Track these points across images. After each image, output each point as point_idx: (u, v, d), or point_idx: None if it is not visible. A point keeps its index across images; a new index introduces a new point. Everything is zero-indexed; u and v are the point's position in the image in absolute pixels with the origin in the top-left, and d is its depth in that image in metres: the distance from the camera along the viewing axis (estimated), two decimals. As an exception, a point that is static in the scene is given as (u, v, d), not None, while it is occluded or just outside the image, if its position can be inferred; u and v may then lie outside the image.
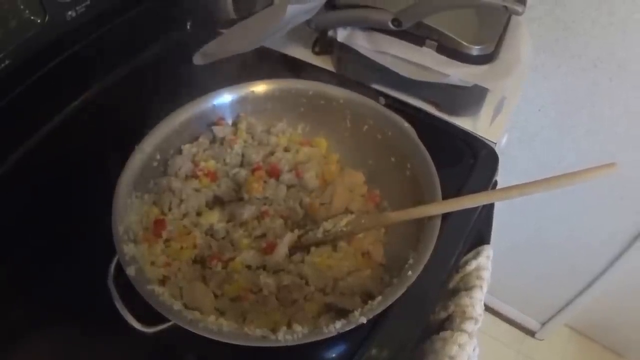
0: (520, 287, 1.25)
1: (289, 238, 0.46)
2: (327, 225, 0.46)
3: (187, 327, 0.37)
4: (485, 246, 0.59)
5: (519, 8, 0.49)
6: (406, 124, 0.50)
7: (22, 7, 0.46)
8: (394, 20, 0.56)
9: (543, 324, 1.30)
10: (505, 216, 1.06)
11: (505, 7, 0.49)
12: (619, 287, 1.08)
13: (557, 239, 1.08)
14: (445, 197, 0.45)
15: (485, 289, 0.57)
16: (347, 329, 0.37)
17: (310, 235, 0.47)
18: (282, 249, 0.46)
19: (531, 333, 1.34)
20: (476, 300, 0.55)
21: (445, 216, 0.47)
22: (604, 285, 1.09)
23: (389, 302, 0.38)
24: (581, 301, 1.16)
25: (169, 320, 0.38)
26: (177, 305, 0.39)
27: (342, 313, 0.40)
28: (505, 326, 1.36)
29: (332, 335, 0.37)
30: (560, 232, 1.06)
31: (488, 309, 1.36)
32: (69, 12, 0.50)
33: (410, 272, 0.40)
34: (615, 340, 1.28)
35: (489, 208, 0.61)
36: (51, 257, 0.48)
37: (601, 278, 1.08)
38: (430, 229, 0.42)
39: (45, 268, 0.46)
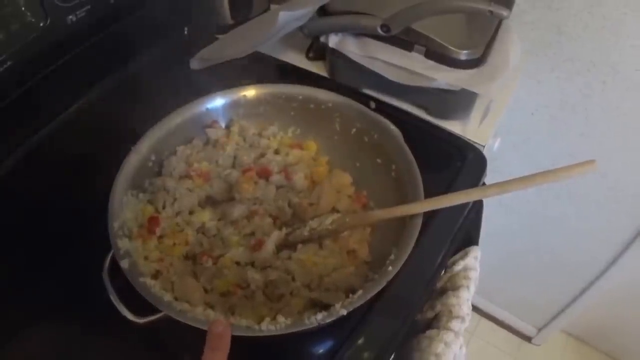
0: (516, 292, 1.25)
1: (276, 235, 0.48)
2: (313, 223, 0.48)
3: (176, 317, 0.38)
4: (474, 247, 0.60)
5: (504, 12, 0.50)
6: (392, 127, 0.51)
7: (24, 10, 0.47)
8: (382, 26, 0.58)
9: (539, 330, 1.30)
10: (502, 221, 1.06)
11: (491, 11, 0.50)
12: (615, 291, 1.08)
13: (553, 243, 1.08)
14: (432, 198, 0.46)
15: (472, 289, 0.58)
16: (328, 320, 0.39)
17: (297, 233, 0.48)
18: (270, 245, 0.47)
19: (528, 339, 1.34)
20: (463, 300, 0.56)
21: (431, 216, 0.48)
22: (600, 290, 1.09)
23: (369, 296, 0.40)
24: (577, 306, 1.16)
25: (159, 312, 0.39)
26: (168, 297, 0.41)
27: (327, 309, 0.41)
28: (501, 332, 1.35)
29: (313, 326, 0.38)
30: (556, 237, 1.06)
31: (484, 314, 1.35)
32: (70, 17, 0.51)
33: (390, 268, 0.41)
34: (612, 345, 1.27)
35: (478, 209, 0.61)
36: (49, 252, 0.49)
37: (597, 283, 1.07)
38: (411, 227, 0.44)
39: (44, 261, 0.48)
